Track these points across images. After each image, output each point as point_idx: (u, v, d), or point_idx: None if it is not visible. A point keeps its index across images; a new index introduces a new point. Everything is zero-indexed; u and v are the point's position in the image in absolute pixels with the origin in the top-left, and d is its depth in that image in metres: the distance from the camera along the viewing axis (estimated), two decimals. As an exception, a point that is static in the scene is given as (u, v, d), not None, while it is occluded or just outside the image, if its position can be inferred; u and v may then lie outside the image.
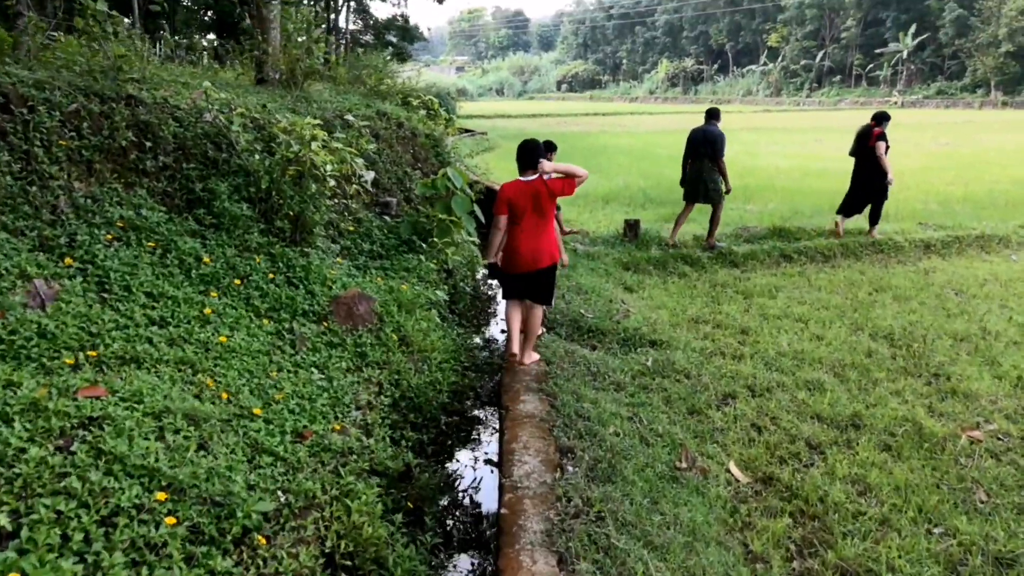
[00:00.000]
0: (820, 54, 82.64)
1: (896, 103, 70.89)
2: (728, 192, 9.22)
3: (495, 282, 8.93)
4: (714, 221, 9.30)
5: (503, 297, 5.63)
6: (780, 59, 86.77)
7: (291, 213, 5.83)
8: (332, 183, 5.94)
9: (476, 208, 7.90)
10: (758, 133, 32.73)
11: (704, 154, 9.04)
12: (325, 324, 5.09)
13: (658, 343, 6.07)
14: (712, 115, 9.22)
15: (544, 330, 6.26)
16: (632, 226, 9.46)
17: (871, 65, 79.35)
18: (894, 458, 4.36)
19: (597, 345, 6.08)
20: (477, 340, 6.97)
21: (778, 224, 10.02)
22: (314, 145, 5.80)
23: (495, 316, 7.91)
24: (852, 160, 10.02)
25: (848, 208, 10.11)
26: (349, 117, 7.59)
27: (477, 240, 8.27)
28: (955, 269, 8.76)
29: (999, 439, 4.62)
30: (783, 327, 6.67)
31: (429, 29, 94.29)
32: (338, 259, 6.23)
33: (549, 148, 6.70)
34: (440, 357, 5.59)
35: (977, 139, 28.95)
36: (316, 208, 5.96)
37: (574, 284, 7.49)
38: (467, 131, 27.23)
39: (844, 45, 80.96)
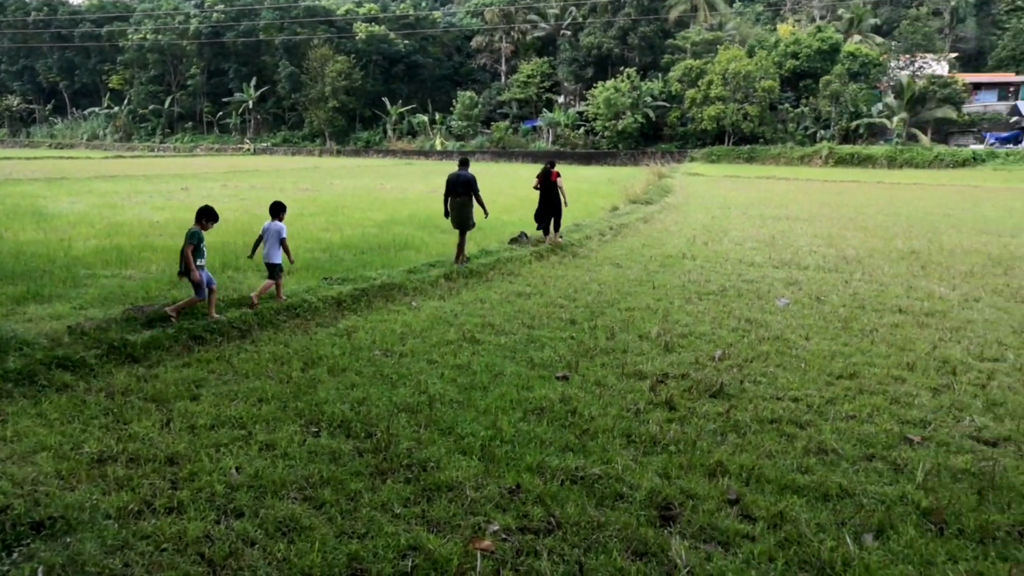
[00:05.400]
0: (169, 100, 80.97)
1: (249, 150, 74.00)
2: (487, 216, 12.90)
3: None
4: (462, 244, 12.12)
5: None
6: (126, 102, 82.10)
7: None
8: None
9: None
10: (116, 182, 29.57)
11: (464, 193, 12.15)
12: None
13: (48, 526, 3.95)
14: (464, 163, 12.58)
15: None
16: (-30, 326, 6.63)
17: (221, 113, 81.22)
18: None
19: (-65, 561, 3.63)
20: None
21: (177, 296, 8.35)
22: None
23: None
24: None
25: (544, 225, 14.79)
26: None
27: None
28: (373, 326, 8.54)
29: (505, 539, 4.11)
30: (222, 442, 5.21)
31: None
32: None
33: None
34: None
35: (331, 184, 31.52)
36: None
37: None
38: None
39: (192, 92, 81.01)
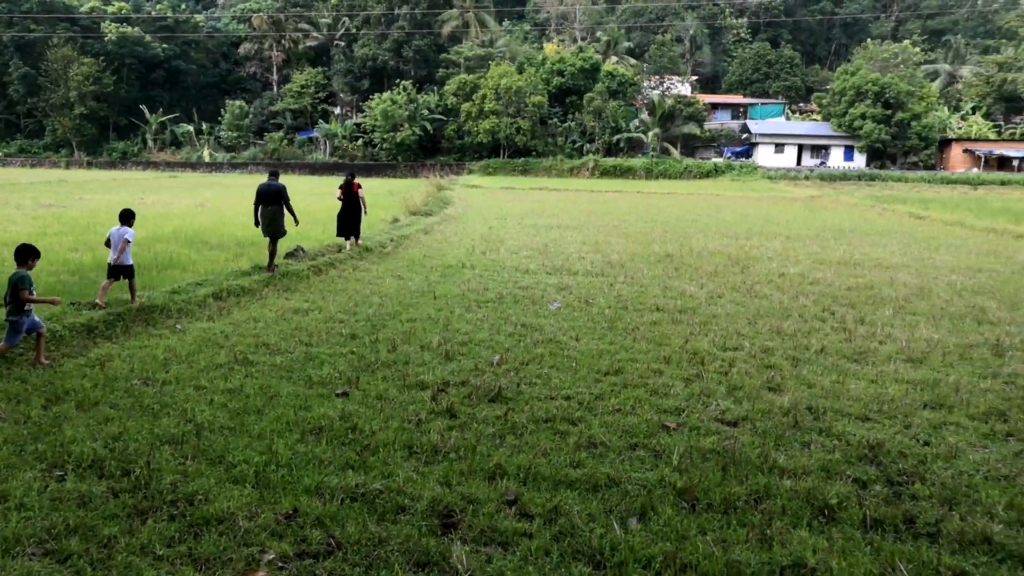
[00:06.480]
0: None
1: (-24, 161, 65.07)
2: (297, 224, 13.44)
3: None
4: (273, 252, 12.64)
5: None
6: None
7: None
8: None
9: None
10: None
11: (274, 202, 12.62)
12: None
13: None
14: (274, 174, 13.05)
15: None
16: None
17: (-64, 118, 70.61)
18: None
19: None
20: None
21: None
22: None
23: None
24: None
25: (345, 233, 15.83)
26: None
27: None
28: (131, 353, 7.79)
29: (282, 567, 3.92)
30: (-61, 499, 4.48)
31: None
32: None
33: None
34: None
35: (80, 199, 28.49)
36: None
37: None
38: None
39: None
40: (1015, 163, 60.76)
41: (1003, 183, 53.45)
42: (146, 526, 4.27)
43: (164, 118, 72.60)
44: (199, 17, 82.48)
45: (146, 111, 72.02)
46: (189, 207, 25.75)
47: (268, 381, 6.98)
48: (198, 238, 16.31)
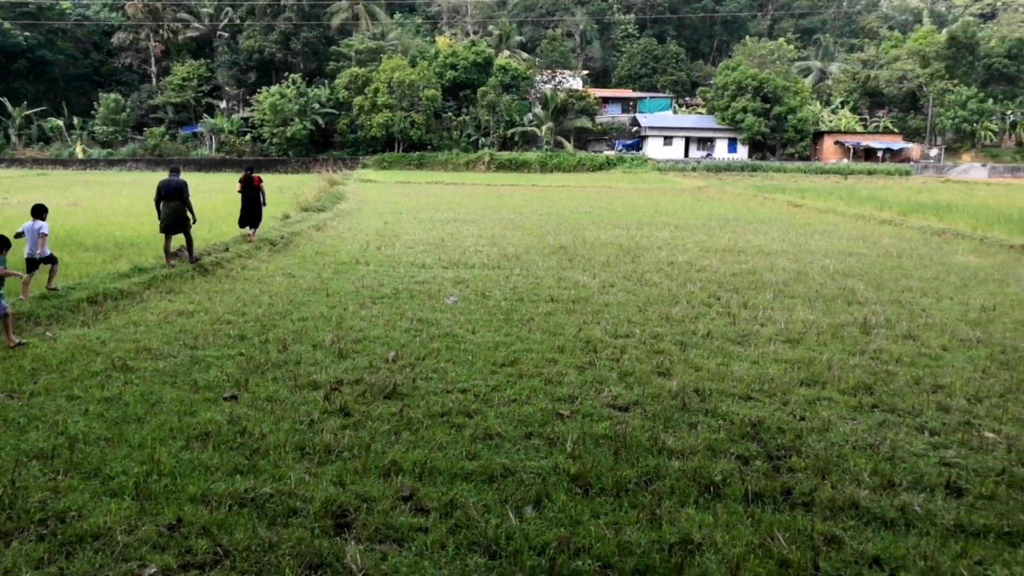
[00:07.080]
0: None
1: None
2: (195, 222, 13.04)
3: None
4: (190, 243, 12.94)
5: None
6: None
7: None
8: None
9: None
10: None
11: (175, 198, 12.59)
12: None
13: None
14: (175, 170, 13.06)
15: None
16: None
17: None
18: None
19: None
20: None
21: None
22: None
23: None
24: None
25: (246, 223, 16.41)
26: None
27: None
28: (2, 367, 7.25)
29: (164, 582, 3.75)
30: None
31: None
32: None
33: None
34: None
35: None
36: None
37: None
38: None
39: None
40: (879, 154, 65.20)
41: (869, 172, 57.31)
42: (11, 548, 3.99)
43: (29, 112, 67.77)
44: (66, 3, 77.27)
45: (8, 104, 67.02)
46: (60, 207, 24.11)
47: (150, 387, 6.64)
48: (71, 240, 15.29)
